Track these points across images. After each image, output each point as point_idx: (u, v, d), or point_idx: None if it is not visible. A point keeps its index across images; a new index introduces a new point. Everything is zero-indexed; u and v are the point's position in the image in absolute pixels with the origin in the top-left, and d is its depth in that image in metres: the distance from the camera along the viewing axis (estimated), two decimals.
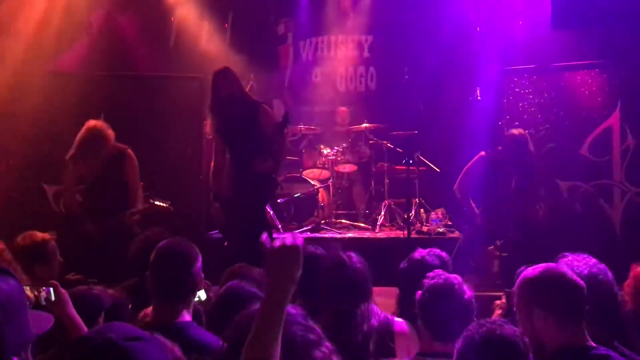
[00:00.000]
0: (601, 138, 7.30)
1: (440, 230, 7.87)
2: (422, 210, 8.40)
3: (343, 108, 9.80)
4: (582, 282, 2.70)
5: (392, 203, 8.60)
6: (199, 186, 7.83)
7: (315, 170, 8.94)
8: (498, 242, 6.68)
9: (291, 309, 2.07)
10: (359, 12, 9.99)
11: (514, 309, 3.96)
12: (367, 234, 8.08)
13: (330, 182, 8.80)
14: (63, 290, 3.25)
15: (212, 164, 6.56)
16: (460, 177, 6.55)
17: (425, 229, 8.02)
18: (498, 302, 4.22)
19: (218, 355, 2.24)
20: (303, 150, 9.28)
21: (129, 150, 6.04)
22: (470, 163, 6.54)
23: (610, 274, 3.20)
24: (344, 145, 8.94)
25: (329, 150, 8.86)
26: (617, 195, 7.22)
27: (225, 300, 3.16)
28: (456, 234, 7.73)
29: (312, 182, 8.60)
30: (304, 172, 8.86)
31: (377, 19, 9.86)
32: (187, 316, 2.93)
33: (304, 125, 9.40)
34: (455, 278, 3.06)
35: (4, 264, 3.51)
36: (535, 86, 7.61)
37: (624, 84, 7.24)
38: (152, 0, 8.46)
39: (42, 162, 7.28)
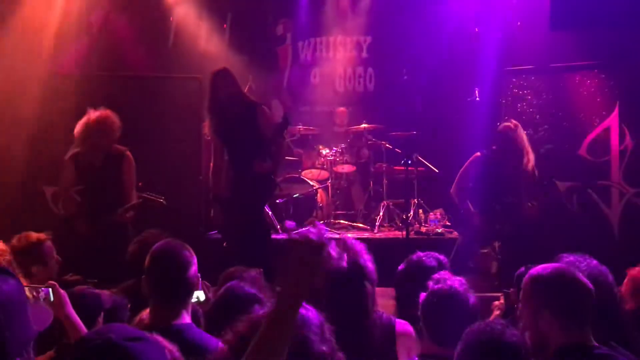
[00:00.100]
0: (599, 139, 7.31)
1: (439, 230, 7.88)
2: (420, 210, 8.41)
3: (342, 109, 9.82)
4: (590, 285, 2.71)
5: (391, 203, 8.61)
6: (198, 186, 7.83)
7: (314, 170, 8.95)
8: (496, 244, 6.69)
9: (308, 312, 2.01)
10: (357, 13, 9.99)
11: (515, 307, 3.98)
12: (366, 235, 8.08)
13: (329, 182, 8.80)
14: (62, 291, 3.25)
15: (211, 164, 6.57)
16: (456, 179, 6.55)
17: (423, 229, 8.03)
18: (496, 302, 4.22)
19: (218, 358, 2.17)
20: (302, 151, 9.28)
21: (128, 152, 6.07)
22: (465, 164, 6.54)
23: (610, 277, 3.21)
24: (343, 145, 8.95)
25: (327, 151, 8.87)
26: (615, 195, 7.23)
27: (225, 301, 3.16)
28: (455, 234, 7.74)
29: (311, 183, 8.61)
30: (303, 173, 8.87)
31: (375, 20, 9.87)
32: (185, 317, 2.92)
33: (303, 125, 9.41)
34: (461, 284, 3.06)
35: (5, 265, 3.51)
36: (533, 87, 7.62)
37: (623, 85, 7.25)
38: (151, 1, 8.46)
39: (41, 162, 7.28)
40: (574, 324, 2.65)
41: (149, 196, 5.97)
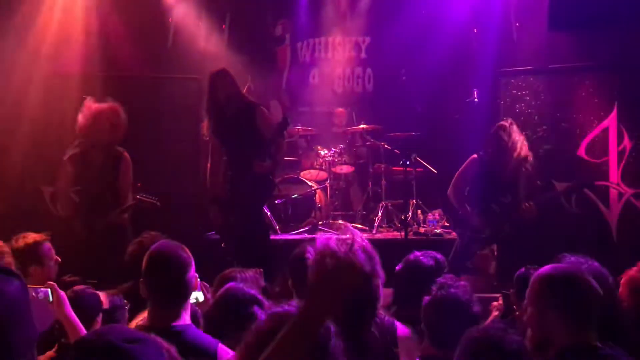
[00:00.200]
0: (598, 139, 7.31)
1: (438, 231, 7.88)
2: (419, 211, 8.42)
3: (340, 109, 9.82)
4: (598, 287, 2.72)
5: (390, 204, 8.61)
6: (197, 187, 7.83)
7: (312, 171, 8.95)
8: (494, 246, 6.69)
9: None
10: (356, 14, 10.00)
11: (514, 308, 3.99)
12: (365, 235, 8.06)
13: (327, 183, 8.80)
14: (61, 292, 3.26)
15: (209, 165, 6.57)
16: (453, 181, 6.54)
17: (422, 230, 8.03)
18: (495, 303, 4.23)
19: None
20: (300, 152, 9.28)
21: (125, 153, 6.08)
22: (462, 167, 6.54)
23: (610, 279, 3.22)
24: (342, 146, 8.95)
25: (326, 152, 8.87)
26: (613, 196, 7.24)
27: (224, 302, 3.16)
28: (453, 235, 7.73)
29: (310, 183, 8.60)
30: (302, 173, 8.87)
31: (374, 21, 9.88)
32: (184, 318, 2.92)
33: (302, 126, 9.41)
34: (464, 292, 3.07)
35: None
36: (532, 88, 7.62)
37: (621, 86, 7.25)
38: (150, 1, 8.46)
39: (41, 163, 7.28)
40: (580, 325, 2.66)
41: (142, 198, 5.98)
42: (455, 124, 8.16)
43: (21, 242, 4.23)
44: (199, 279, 3.31)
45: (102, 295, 3.61)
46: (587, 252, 3.47)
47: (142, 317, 3.22)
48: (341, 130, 9.46)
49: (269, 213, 7.94)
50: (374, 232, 8.15)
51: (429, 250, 3.99)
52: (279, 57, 10.39)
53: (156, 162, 7.55)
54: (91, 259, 5.67)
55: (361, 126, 9.09)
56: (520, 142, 6.33)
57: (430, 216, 8.15)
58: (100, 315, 3.51)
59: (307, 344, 1.80)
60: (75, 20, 7.88)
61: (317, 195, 8.57)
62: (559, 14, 6.38)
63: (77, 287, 3.64)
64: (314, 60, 10.31)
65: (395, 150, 8.74)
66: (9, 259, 3.73)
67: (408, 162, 7.20)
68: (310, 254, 2.12)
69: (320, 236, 2.09)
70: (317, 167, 8.96)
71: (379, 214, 8.41)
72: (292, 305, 2.06)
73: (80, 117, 5.99)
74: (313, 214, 8.48)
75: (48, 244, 4.31)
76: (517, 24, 8.29)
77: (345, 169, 8.99)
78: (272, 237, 7.30)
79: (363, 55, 10.23)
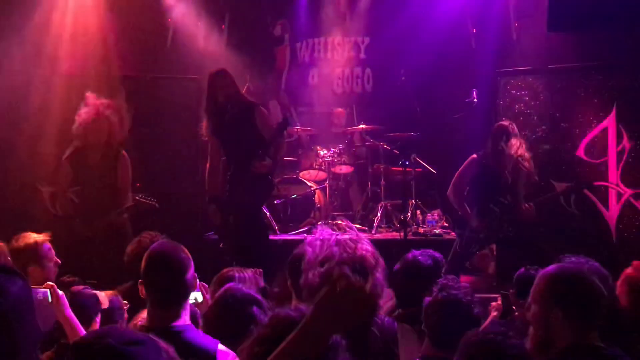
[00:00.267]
0: (597, 140, 7.31)
1: (437, 231, 7.88)
2: (418, 211, 8.42)
3: (340, 109, 9.82)
4: (602, 287, 2.73)
5: (389, 204, 8.60)
6: (196, 187, 7.83)
7: (311, 171, 8.94)
8: (493, 246, 6.69)
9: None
10: (355, 14, 10.00)
11: (513, 308, 4.00)
12: (364, 236, 8.06)
13: (326, 183, 8.80)
14: (60, 292, 3.25)
15: (208, 165, 6.57)
16: (453, 181, 6.55)
17: (421, 230, 8.03)
18: (494, 303, 4.23)
19: None
20: (300, 152, 9.28)
21: (124, 152, 6.08)
22: (462, 167, 6.55)
23: (610, 279, 3.22)
24: (341, 146, 8.94)
25: (325, 152, 8.86)
26: (612, 196, 7.23)
27: (224, 302, 3.16)
28: (452, 235, 7.73)
29: (309, 184, 8.60)
30: (301, 174, 8.87)
31: (373, 21, 9.88)
32: (184, 319, 2.92)
33: (301, 126, 9.41)
34: (465, 294, 3.07)
35: None
36: (531, 88, 7.62)
37: (620, 86, 7.25)
38: (149, 2, 8.45)
39: (39, 163, 7.27)
40: (583, 325, 2.67)
41: (141, 199, 5.98)
42: (454, 124, 8.15)
43: (21, 242, 4.23)
44: (198, 280, 3.30)
45: (101, 295, 3.60)
46: (587, 252, 3.47)
47: (141, 317, 3.22)
48: (340, 130, 9.46)
49: (268, 213, 7.94)
50: (373, 232, 8.14)
51: (427, 249, 4.00)
52: (278, 57, 10.38)
53: (155, 162, 7.56)
54: (91, 259, 5.67)
55: (360, 126, 9.08)
56: (518, 142, 6.34)
57: (429, 216, 8.15)
58: (99, 315, 3.51)
59: (312, 356, 1.77)
60: (74, 20, 7.88)
61: (316, 196, 8.56)
62: (558, 14, 6.37)
63: (76, 288, 3.64)
64: (313, 60, 10.30)
65: (395, 151, 8.74)
66: (4, 260, 3.73)
67: (407, 163, 7.19)
68: (311, 255, 2.10)
69: (323, 239, 2.05)
70: (316, 167, 8.95)
71: (378, 214, 8.40)
72: (293, 309, 2.05)
73: (79, 116, 5.99)
74: (312, 214, 8.48)
75: (48, 245, 4.30)
76: (517, 24, 8.30)
77: (344, 169, 8.99)
78: (271, 237, 7.29)
79: (362, 55, 10.23)
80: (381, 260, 2.43)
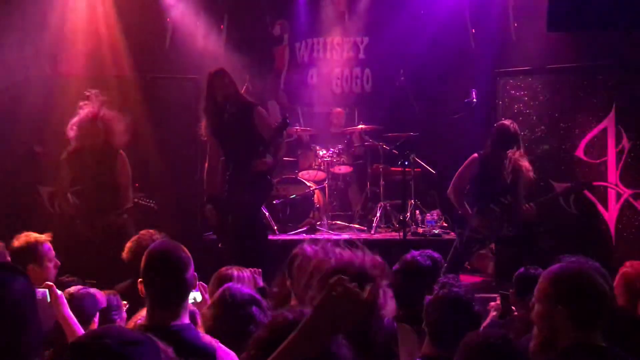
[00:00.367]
0: (596, 140, 7.31)
1: (436, 231, 7.88)
2: (417, 211, 8.41)
3: (339, 109, 9.81)
4: (606, 287, 2.73)
5: (388, 204, 8.60)
6: (194, 187, 7.82)
7: (310, 171, 8.94)
8: (492, 246, 6.69)
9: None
10: (354, 14, 10.00)
11: (512, 308, 4.00)
12: (363, 236, 8.07)
13: (325, 183, 8.80)
14: (59, 292, 3.25)
15: (206, 165, 6.56)
16: (453, 180, 6.54)
17: (420, 230, 8.03)
18: (493, 303, 4.23)
19: None
20: (299, 152, 9.28)
21: (122, 152, 6.06)
22: (463, 166, 6.54)
23: (610, 280, 3.22)
24: (340, 146, 8.94)
25: (324, 152, 8.85)
26: (611, 197, 7.23)
27: (223, 302, 3.15)
28: (451, 235, 7.73)
29: (308, 184, 8.60)
30: (300, 174, 8.86)
31: (372, 21, 9.87)
32: (183, 318, 2.91)
33: (300, 126, 9.40)
34: (466, 292, 3.07)
35: None
36: (530, 88, 7.62)
37: (619, 86, 7.25)
38: (149, 1, 8.45)
39: (37, 162, 7.27)
40: (588, 324, 2.68)
41: (140, 201, 5.97)
42: (453, 124, 8.15)
43: (22, 241, 4.22)
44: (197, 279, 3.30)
45: (99, 294, 3.60)
46: (586, 252, 3.47)
47: (140, 316, 3.22)
48: (340, 130, 9.45)
49: (267, 213, 7.93)
50: (372, 232, 8.14)
51: (426, 250, 3.99)
52: (277, 57, 10.38)
53: (154, 162, 7.54)
54: (91, 259, 5.66)
55: (360, 126, 9.08)
56: (518, 154, 6.35)
57: (428, 216, 8.15)
58: (97, 315, 3.50)
59: (312, 356, 1.79)
60: (74, 20, 7.88)
61: (315, 196, 8.56)
62: (558, 14, 6.36)
63: (74, 288, 3.63)
64: (313, 60, 10.30)
65: (394, 151, 8.73)
66: (3, 259, 3.73)
67: (406, 163, 7.18)
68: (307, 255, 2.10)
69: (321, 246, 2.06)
70: (315, 167, 8.95)
71: (377, 215, 8.40)
72: (291, 310, 2.05)
73: (76, 117, 5.96)
74: (311, 214, 8.48)
75: (48, 245, 4.29)
76: (516, 25, 8.30)
77: (343, 169, 8.98)
78: (270, 237, 7.29)
79: (361, 55, 10.22)
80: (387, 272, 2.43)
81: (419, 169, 8.61)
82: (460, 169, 6.56)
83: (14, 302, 1.80)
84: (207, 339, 2.87)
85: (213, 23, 9.24)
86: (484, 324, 4.00)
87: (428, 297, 3.08)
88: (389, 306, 2.67)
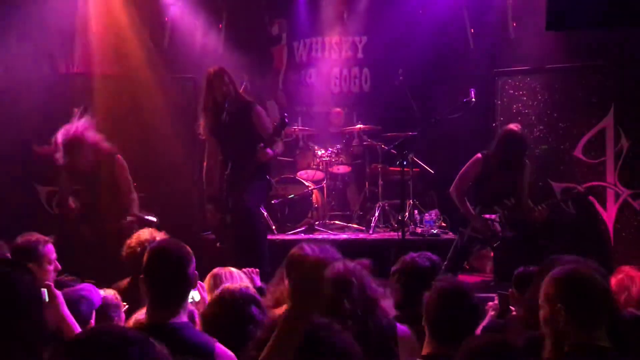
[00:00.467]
0: (595, 140, 7.31)
1: (434, 231, 7.87)
2: (416, 211, 8.40)
3: (337, 109, 9.80)
4: (610, 289, 2.75)
5: (386, 204, 8.59)
6: (193, 186, 7.81)
7: (309, 171, 8.93)
8: (493, 244, 6.69)
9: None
10: (353, 14, 9.99)
11: (511, 308, 4.00)
12: (361, 235, 8.07)
13: (324, 183, 8.79)
14: (57, 292, 3.24)
15: (205, 164, 6.55)
16: (456, 179, 6.55)
17: (419, 230, 8.02)
18: (491, 303, 4.23)
19: None
20: (297, 152, 9.27)
21: (118, 155, 6.01)
22: (466, 165, 6.54)
23: (608, 279, 3.22)
24: (338, 146, 8.93)
25: (323, 152, 8.85)
26: (610, 197, 7.23)
27: (222, 301, 3.15)
28: (450, 235, 7.73)
29: (306, 183, 8.59)
30: (298, 173, 8.86)
31: (371, 20, 9.86)
32: (182, 317, 2.91)
33: (298, 126, 9.39)
34: (464, 283, 3.08)
35: None
36: (529, 88, 7.62)
37: (618, 86, 7.25)
38: (147, 0, 8.44)
39: (35, 162, 7.26)
40: (590, 324, 2.69)
41: (142, 216, 5.92)
42: (451, 124, 8.15)
43: (23, 239, 4.21)
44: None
45: (95, 290, 3.60)
46: (585, 252, 3.47)
47: (139, 315, 3.22)
48: (338, 130, 9.44)
49: (265, 213, 7.92)
50: (370, 232, 8.14)
51: (425, 252, 4.00)
52: (275, 56, 10.37)
53: (152, 162, 7.53)
54: (94, 261, 5.63)
55: (358, 126, 9.08)
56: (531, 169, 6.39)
57: (427, 216, 8.13)
58: (94, 313, 3.49)
59: (295, 340, 1.90)
60: (73, 20, 7.88)
61: (313, 196, 8.55)
62: (557, 13, 6.36)
63: (73, 288, 3.63)
64: (311, 60, 10.29)
65: (392, 151, 8.71)
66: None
67: (405, 162, 7.17)
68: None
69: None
70: (313, 167, 8.94)
71: (376, 214, 8.39)
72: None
73: (59, 141, 5.84)
74: (310, 214, 8.47)
75: (50, 246, 4.27)
76: (515, 24, 8.30)
77: (342, 169, 8.98)
78: (269, 237, 7.28)
79: (360, 55, 10.22)
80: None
81: (418, 169, 8.60)
82: (463, 169, 6.56)
83: (20, 297, 1.80)
84: (206, 337, 2.87)
85: (211, 22, 9.23)
86: (483, 323, 4.00)
87: (426, 295, 3.07)
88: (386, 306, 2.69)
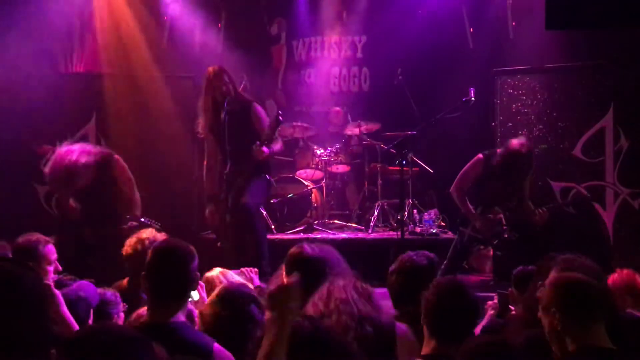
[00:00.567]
0: (594, 139, 7.31)
1: (434, 231, 7.87)
2: (415, 211, 8.40)
3: (337, 108, 9.79)
4: (609, 292, 2.76)
5: (386, 204, 8.59)
6: (193, 186, 7.81)
7: (308, 170, 8.92)
8: (494, 242, 6.69)
9: None
10: (352, 13, 9.98)
11: (510, 307, 4.00)
12: (361, 235, 8.07)
13: (323, 182, 8.79)
14: (57, 291, 3.24)
15: (205, 163, 6.55)
16: (457, 179, 6.55)
17: (418, 229, 8.02)
18: (490, 302, 4.24)
19: None
20: (296, 151, 9.26)
21: (116, 156, 5.98)
22: (467, 165, 6.54)
23: (604, 277, 3.22)
24: (338, 145, 8.92)
25: (322, 151, 8.85)
26: (609, 196, 7.23)
27: (221, 301, 3.15)
28: (449, 234, 7.73)
29: (306, 183, 8.59)
30: (297, 173, 8.85)
31: (370, 20, 9.85)
32: (181, 316, 2.92)
33: (298, 125, 9.38)
34: (462, 280, 3.09)
35: None
36: (528, 87, 7.62)
37: (617, 85, 7.25)
38: (146, 0, 8.44)
39: (34, 161, 7.25)
40: (589, 326, 2.71)
41: (144, 221, 5.90)
42: (451, 123, 8.15)
43: (24, 239, 4.21)
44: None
45: (92, 288, 3.60)
46: (584, 251, 3.47)
47: (139, 314, 3.22)
48: (337, 129, 9.44)
49: (264, 212, 7.91)
50: (369, 231, 8.13)
51: (423, 250, 4.00)
52: (274, 56, 10.36)
53: (151, 161, 7.53)
54: (96, 262, 5.62)
55: (357, 126, 9.06)
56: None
57: (426, 216, 8.13)
58: (92, 312, 3.49)
59: (284, 333, 1.99)
60: (73, 20, 7.88)
61: (313, 195, 8.55)
62: (556, 12, 6.35)
63: (71, 288, 3.63)
64: (310, 59, 10.28)
65: (392, 150, 8.70)
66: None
67: (404, 162, 7.17)
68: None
69: None
70: (313, 166, 8.94)
71: (375, 214, 8.39)
72: None
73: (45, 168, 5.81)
74: (309, 214, 8.46)
75: (51, 247, 4.25)
76: (514, 23, 8.30)
77: (341, 168, 8.97)
78: (268, 236, 7.27)
79: (359, 54, 10.21)
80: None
81: (417, 168, 8.59)
82: (464, 169, 6.56)
83: (25, 296, 1.80)
84: (204, 337, 2.88)
85: (210, 21, 9.23)
86: (482, 323, 4.00)
87: (425, 293, 3.07)
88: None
